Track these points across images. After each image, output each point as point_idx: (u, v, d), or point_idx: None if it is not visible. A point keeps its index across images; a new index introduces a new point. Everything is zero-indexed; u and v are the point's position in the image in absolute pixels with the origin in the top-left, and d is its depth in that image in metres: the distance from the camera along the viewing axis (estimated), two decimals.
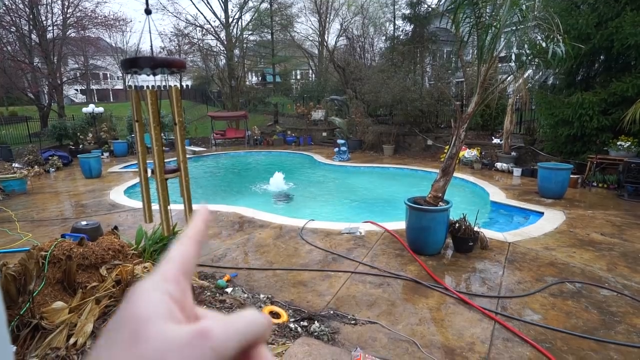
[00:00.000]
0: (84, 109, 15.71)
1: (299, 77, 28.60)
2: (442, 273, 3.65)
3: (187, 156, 11.71)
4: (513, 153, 9.55)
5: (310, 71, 27.11)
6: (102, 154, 13.62)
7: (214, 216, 5.82)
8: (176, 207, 5.57)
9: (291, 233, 4.93)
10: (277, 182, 8.97)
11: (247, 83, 28.04)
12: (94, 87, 40.14)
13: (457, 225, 4.15)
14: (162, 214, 1.05)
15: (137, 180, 8.40)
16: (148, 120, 0.97)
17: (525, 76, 8.89)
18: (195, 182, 9.96)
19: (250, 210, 6.09)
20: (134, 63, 1.76)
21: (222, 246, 4.49)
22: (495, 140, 10.41)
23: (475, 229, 4.16)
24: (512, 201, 6.41)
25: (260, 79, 30.18)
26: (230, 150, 16.19)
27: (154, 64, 1.66)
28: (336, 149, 12.22)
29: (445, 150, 10.88)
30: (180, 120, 0.97)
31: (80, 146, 14.50)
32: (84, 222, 4.21)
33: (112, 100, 40.06)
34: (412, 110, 12.74)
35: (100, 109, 16.22)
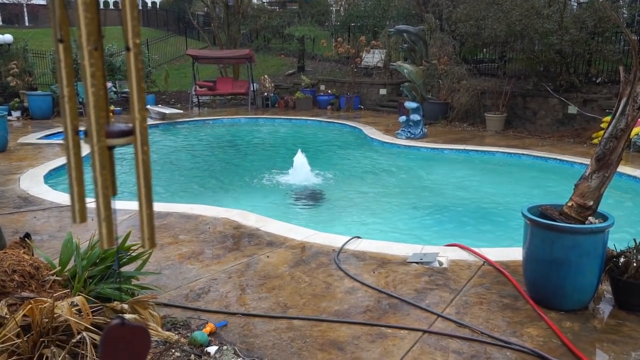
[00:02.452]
0: None
1: None
2: (591, 345, 3.47)
3: (153, 122, 12.17)
4: None
5: None
6: (10, 114, 14.24)
7: (193, 224, 5.96)
8: (126, 203, 5.76)
9: (320, 258, 4.94)
10: (300, 171, 9.05)
11: (255, 1, 28.43)
12: None
13: (621, 259, 3.93)
14: (100, 210, 1.04)
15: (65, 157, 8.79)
16: (79, 40, 0.96)
17: None
18: (163, 166, 10.29)
19: (252, 217, 6.19)
20: None
21: (203, 274, 4.57)
22: None
23: None
24: None
25: None
26: (223, 114, 16.57)
27: None
28: (403, 118, 12.09)
29: (603, 125, 10.38)
30: (137, 44, 0.94)
31: None
32: None
33: (27, 23, 41.80)
34: (543, 51, 12.28)
35: (8, 37, 16.85)
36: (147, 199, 1.09)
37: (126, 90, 16.00)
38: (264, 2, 30.20)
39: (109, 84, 15.80)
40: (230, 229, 5.82)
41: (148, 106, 15.92)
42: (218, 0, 20.92)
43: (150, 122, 14.87)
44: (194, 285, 4.37)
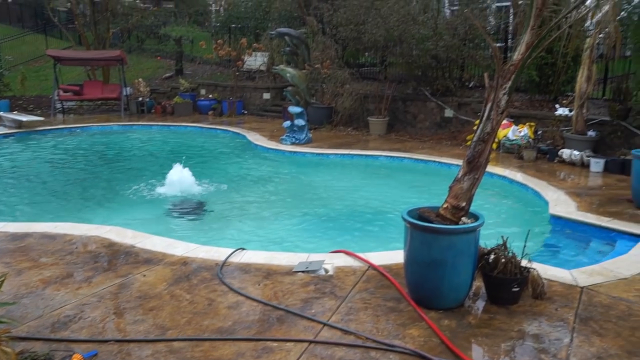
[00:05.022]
0: None
1: None
2: (467, 341, 3.73)
3: (7, 131, 11.26)
4: (591, 133, 10.10)
5: None
6: None
7: (58, 245, 5.59)
8: None
9: (203, 273, 4.87)
10: (180, 181, 8.84)
11: None
12: None
13: (491, 257, 4.25)
14: None
15: None
16: None
17: None
18: (18, 181, 9.60)
19: (128, 233, 5.97)
20: None
21: (70, 300, 4.32)
22: (561, 111, 10.99)
23: (524, 263, 4.27)
24: (587, 215, 6.71)
25: None
26: (92, 121, 15.68)
27: None
28: (287, 123, 12.24)
29: (475, 128, 11.22)
30: None
31: None
32: None
33: None
34: (420, 56, 13.05)
35: None
36: None
37: None
38: (136, 0, 29.04)
39: None
40: (102, 248, 5.54)
41: (0, 113, 14.64)
42: None
43: (3, 131, 13.68)
44: (60, 312, 4.09)
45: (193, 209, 8.16)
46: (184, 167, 8.99)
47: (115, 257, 5.33)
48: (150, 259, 5.21)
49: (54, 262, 5.12)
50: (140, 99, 17.21)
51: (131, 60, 20.36)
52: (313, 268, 4.92)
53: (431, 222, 4.22)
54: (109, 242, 5.68)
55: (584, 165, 9.41)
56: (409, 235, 4.24)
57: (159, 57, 22.38)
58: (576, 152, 9.58)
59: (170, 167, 9.03)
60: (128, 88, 17.41)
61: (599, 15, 9.51)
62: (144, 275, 4.81)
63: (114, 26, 21.52)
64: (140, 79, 17.97)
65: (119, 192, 8.90)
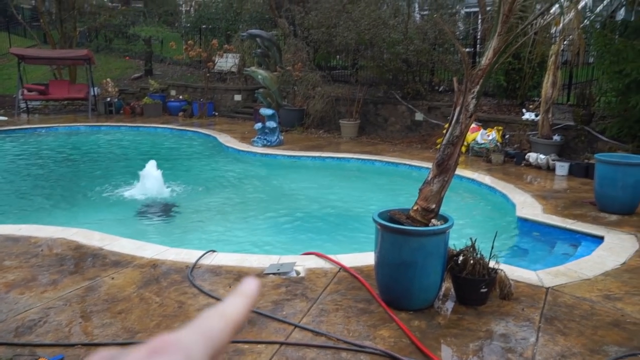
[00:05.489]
0: None
1: None
2: (436, 341, 3.80)
3: None
4: (556, 137, 10.34)
5: None
6: None
7: (23, 247, 5.47)
8: None
9: (173, 275, 4.82)
10: (150, 182, 8.72)
11: None
12: None
13: (460, 258, 4.33)
14: None
15: None
16: None
17: (580, 6, 9.54)
18: None
19: (96, 235, 5.86)
20: None
21: (35, 304, 4.23)
22: (528, 116, 11.23)
23: (491, 264, 4.36)
24: (552, 218, 6.88)
25: None
26: (58, 122, 15.35)
27: None
28: (258, 125, 12.21)
29: (445, 131, 11.39)
30: None
31: None
32: None
33: None
34: (391, 60, 13.19)
35: None
36: None
37: None
38: None
39: None
40: (69, 250, 5.43)
41: None
42: None
43: None
44: (24, 317, 4.00)
45: (163, 211, 8.07)
46: (154, 169, 8.88)
47: (83, 259, 5.24)
48: (119, 262, 5.13)
49: (18, 265, 5.00)
50: (109, 99, 16.92)
51: (99, 60, 20.01)
52: (284, 270, 4.92)
53: (402, 224, 4.27)
54: (75, 245, 5.57)
55: (550, 169, 9.63)
56: (379, 237, 4.29)
57: (127, 57, 22.07)
58: (542, 156, 9.80)
59: (140, 169, 8.91)
60: (96, 88, 17.10)
61: (563, 23, 9.77)
62: (113, 278, 4.74)
63: (81, 25, 21.15)
64: (108, 79, 17.67)
65: (86, 194, 8.75)
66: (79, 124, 15.07)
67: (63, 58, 17.57)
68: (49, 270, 4.92)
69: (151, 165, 8.89)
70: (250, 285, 0.51)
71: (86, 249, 5.47)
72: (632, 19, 9.71)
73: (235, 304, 0.48)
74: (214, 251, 5.40)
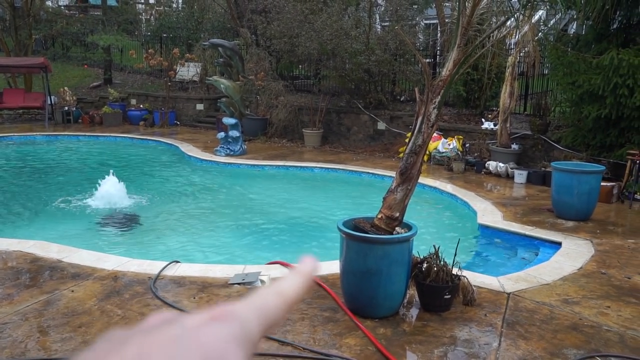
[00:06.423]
0: None
1: (152, 0, 27.69)
2: (402, 348, 3.83)
3: None
4: (514, 146, 10.64)
5: None
6: None
7: None
8: None
9: (135, 287, 4.73)
10: (109, 193, 8.54)
11: (50, 3, 26.17)
12: None
13: (424, 265, 4.39)
14: None
15: None
16: None
17: (534, 20, 9.89)
18: None
19: (54, 247, 5.70)
20: None
21: None
22: (487, 125, 11.51)
23: (455, 271, 4.43)
24: (512, 224, 7.06)
25: None
26: (13, 131, 14.88)
27: None
28: (221, 135, 12.13)
29: (407, 140, 11.56)
30: None
31: None
32: None
33: None
34: (353, 70, 13.32)
35: None
36: None
37: None
38: (61, 6, 27.92)
39: None
40: (25, 263, 5.25)
41: None
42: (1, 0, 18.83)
43: None
44: None
45: (124, 221, 7.90)
46: (114, 179, 8.70)
47: (40, 272, 5.08)
48: (79, 274, 5.00)
49: None
50: (67, 108, 16.51)
51: (56, 68, 19.54)
52: (249, 280, 4.89)
53: (366, 233, 4.30)
54: (32, 257, 5.39)
55: (509, 177, 9.88)
56: (344, 246, 4.31)
57: (85, 66, 21.60)
58: (501, 164, 10.05)
59: (99, 179, 8.72)
60: (53, 97, 16.67)
61: (518, 36, 10.08)
62: (72, 291, 4.61)
63: (37, 32, 20.61)
64: (65, 88, 17.25)
65: (44, 206, 8.49)
66: (35, 134, 14.64)
67: (18, 66, 17.09)
68: (4, 284, 4.76)
69: (111, 175, 8.73)
70: (308, 265, 0.52)
71: (44, 262, 5.30)
72: (583, 32, 10.09)
73: (292, 283, 0.50)
74: (177, 262, 5.33)
